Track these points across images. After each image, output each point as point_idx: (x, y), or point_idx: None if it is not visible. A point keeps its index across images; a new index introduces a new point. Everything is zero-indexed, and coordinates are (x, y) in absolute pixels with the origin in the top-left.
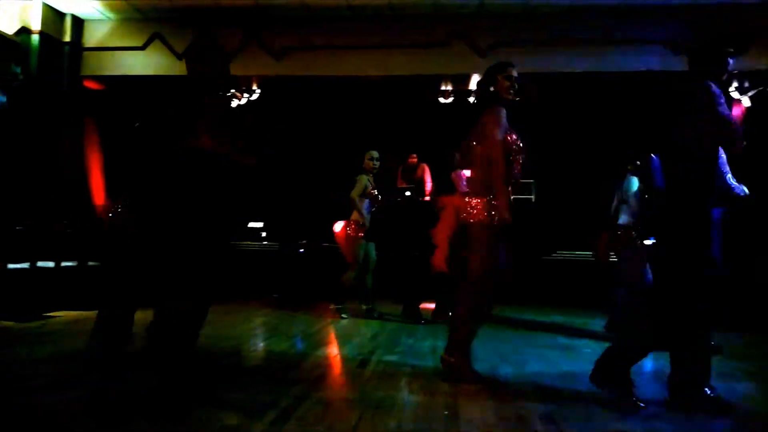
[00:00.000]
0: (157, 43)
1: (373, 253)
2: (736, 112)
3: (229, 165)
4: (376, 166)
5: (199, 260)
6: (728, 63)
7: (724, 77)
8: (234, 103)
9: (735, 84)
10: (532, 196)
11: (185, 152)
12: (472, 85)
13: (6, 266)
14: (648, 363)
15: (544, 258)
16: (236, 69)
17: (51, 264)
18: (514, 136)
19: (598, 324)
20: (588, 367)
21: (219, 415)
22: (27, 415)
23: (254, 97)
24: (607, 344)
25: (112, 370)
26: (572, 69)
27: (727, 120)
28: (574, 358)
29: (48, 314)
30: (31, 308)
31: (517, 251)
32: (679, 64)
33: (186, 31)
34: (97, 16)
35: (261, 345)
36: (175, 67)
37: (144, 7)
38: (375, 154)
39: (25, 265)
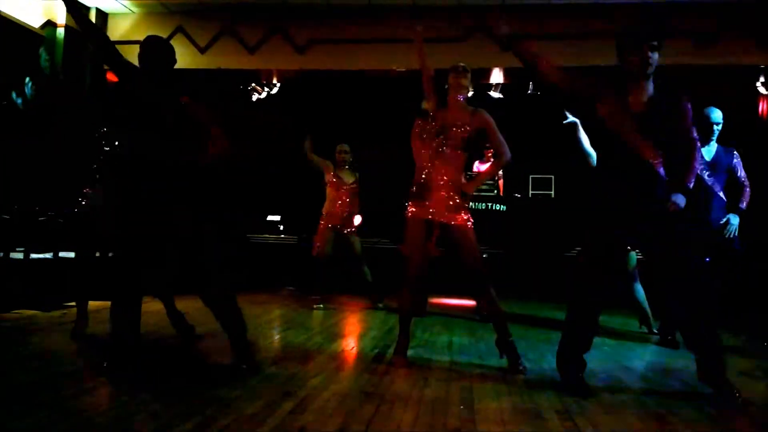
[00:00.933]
0: (179, 36)
1: (329, 246)
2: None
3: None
4: (346, 159)
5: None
6: (647, 55)
7: (648, 69)
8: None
9: (762, 79)
10: (552, 192)
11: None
12: (494, 80)
13: (30, 256)
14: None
15: (564, 254)
16: (259, 62)
17: (72, 254)
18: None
19: (616, 321)
20: (606, 364)
21: (236, 404)
22: (50, 404)
23: (275, 90)
24: (627, 342)
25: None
26: (596, 62)
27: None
28: (592, 355)
29: (69, 304)
30: (54, 298)
31: (537, 247)
32: (710, 57)
33: (209, 24)
34: (121, 9)
35: (278, 337)
36: (198, 61)
37: (168, 1)
38: (344, 147)
39: (49, 255)
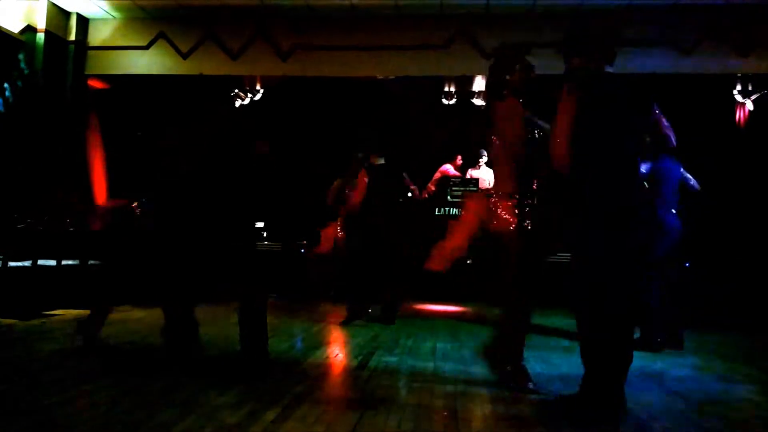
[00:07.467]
0: (161, 42)
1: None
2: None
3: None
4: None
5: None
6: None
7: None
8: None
9: (739, 87)
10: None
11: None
12: (476, 87)
13: (8, 264)
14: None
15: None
16: (242, 68)
17: (53, 262)
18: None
19: None
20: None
21: (219, 414)
22: (32, 412)
23: (258, 96)
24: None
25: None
26: None
27: None
28: (575, 361)
29: (48, 312)
30: (32, 306)
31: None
32: (687, 65)
33: (191, 30)
34: (102, 15)
35: None
36: (180, 67)
37: (149, 7)
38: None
39: (27, 263)
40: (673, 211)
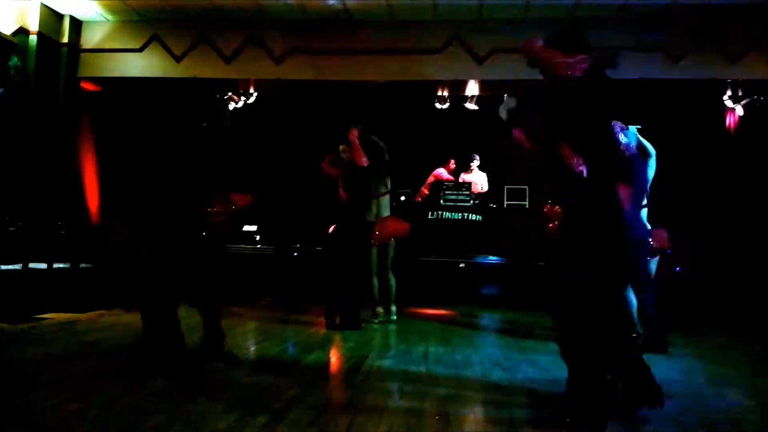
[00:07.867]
0: (155, 45)
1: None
2: None
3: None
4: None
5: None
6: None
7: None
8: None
9: (729, 92)
10: (526, 203)
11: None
12: (468, 92)
13: None
14: None
15: (537, 264)
16: (236, 72)
17: (43, 265)
18: None
19: None
20: None
21: (210, 418)
22: (22, 416)
23: (251, 100)
24: None
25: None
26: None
27: None
28: (563, 365)
29: (39, 316)
30: (22, 310)
31: (512, 256)
32: (677, 71)
33: (185, 33)
34: (95, 17)
35: (253, 349)
36: (173, 70)
37: (143, 9)
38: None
39: (18, 267)
40: (644, 211)
